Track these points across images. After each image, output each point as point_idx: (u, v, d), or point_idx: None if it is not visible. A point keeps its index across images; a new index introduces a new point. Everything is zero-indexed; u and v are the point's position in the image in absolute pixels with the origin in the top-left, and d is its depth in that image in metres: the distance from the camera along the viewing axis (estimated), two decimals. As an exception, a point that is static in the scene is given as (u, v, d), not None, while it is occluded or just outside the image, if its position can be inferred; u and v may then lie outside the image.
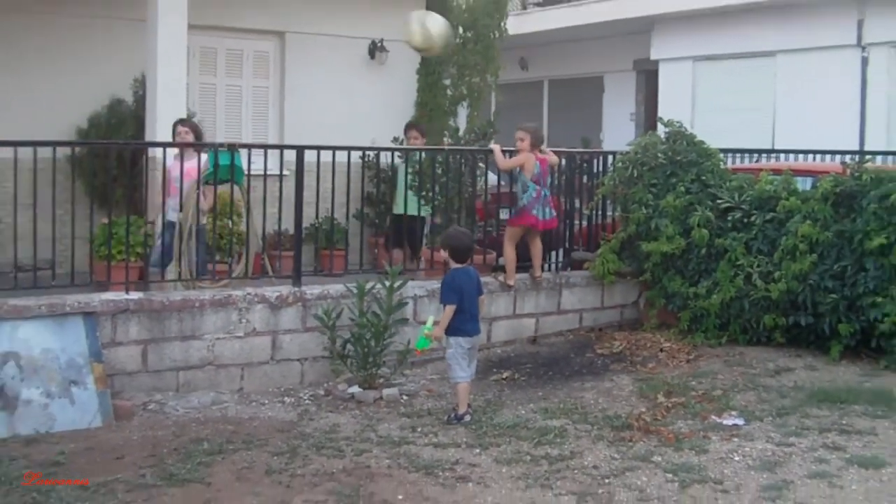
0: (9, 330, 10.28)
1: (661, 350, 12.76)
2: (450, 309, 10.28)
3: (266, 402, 11.06)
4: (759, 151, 18.28)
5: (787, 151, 17.51)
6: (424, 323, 10.63)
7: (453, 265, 10.52)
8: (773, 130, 21.38)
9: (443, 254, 10.70)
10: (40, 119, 14.24)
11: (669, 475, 8.51)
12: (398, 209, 14.68)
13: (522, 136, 12.96)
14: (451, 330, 10.31)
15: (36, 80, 14.83)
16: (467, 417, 10.17)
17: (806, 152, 17.01)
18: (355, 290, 11.46)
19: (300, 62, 17.22)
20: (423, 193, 14.09)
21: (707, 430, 9.76)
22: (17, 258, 11.21)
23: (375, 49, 17.80)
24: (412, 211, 14.14)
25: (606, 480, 8.44)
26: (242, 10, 16.60)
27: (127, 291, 11.28)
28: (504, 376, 11.97)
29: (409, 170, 13.84)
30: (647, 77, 24.65)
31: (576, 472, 8.66)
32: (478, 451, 9.28)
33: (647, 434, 9.64)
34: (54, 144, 11.70)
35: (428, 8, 17.93)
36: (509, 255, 13.18)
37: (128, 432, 9.86)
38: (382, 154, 14.89)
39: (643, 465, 8.79)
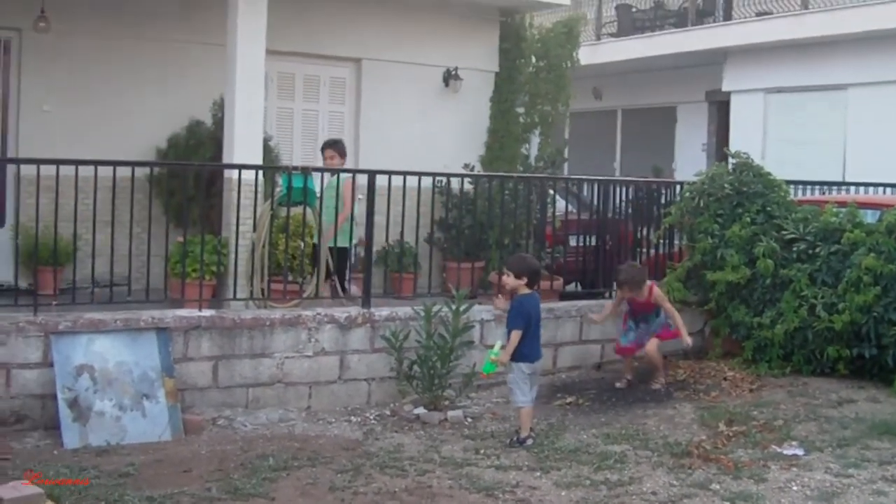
0: (85, 343, 10.54)
1: (725, 379, 12.78)
2: (516, 334, 10.39)
3: (332, 420, 11.24)
4: (827, 183, 18.26)
5: (854, 184, 17.52)
6: (492, 347, 10.76)
7: (522, 291, 10.60)
8: (843, 163, 21.27)
9: (510, 279, 10.67)
10: (122, 139, 14.51)
11: (727, 503, 8.58)
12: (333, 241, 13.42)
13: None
14: (515, 355, 10.42)
15: (119, 102, 15.10)
16: (529, 441, 10.28)
17: (874, 185, 17.01)
18: (423, 313, 11.64)
19: (376, 88, 17.40)
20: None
21: (767, 459, 9.82)
22: (94, 274, 11.51)
23: (450, 77, 17.94)
24: (342, 243, 13.39)
25: (664, 507, 8.51)
26: (320, 37, 16.82)
27: (200, 308, 11.53)
28: (568, 401, 12.07)
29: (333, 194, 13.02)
30: (720, 108, 24.63)
31: (634, 497, 8.74)
32: (538, 474, 9.38)
33: (707, 462, 9.70)
34: (133, 164, 12.01)
35: (502, 37, 18.17)
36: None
37: (196, 446, 10.07)
38: (454, 180, 15.04)
39: (701, 493, 8.85)
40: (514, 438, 10.35)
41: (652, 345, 12.68)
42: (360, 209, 12.89)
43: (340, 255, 13.47)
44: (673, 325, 12.67)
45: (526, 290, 10.60)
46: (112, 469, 9.11)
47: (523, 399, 10.46)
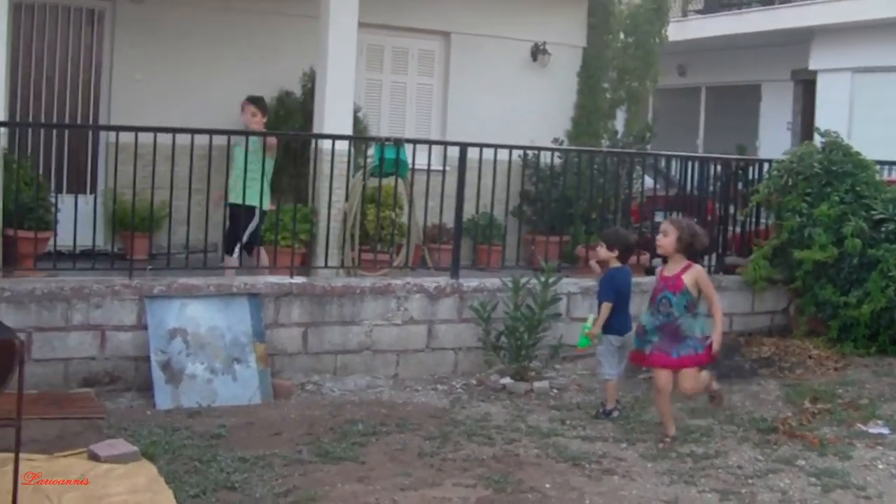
0: (178, 307, 10.73)
1: (810, 357, 12.77)
2: (606, 307, 10.35)
3: (420, 388, 11.38)
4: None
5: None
6: (581, 320, 10.82)
7: (613, 264, 10.60)
8: (932, 144, 21.07)
9: (603, 251, 10.63)
10: (212, 109, 14.62)
11: (812, 479, 8.62)
12: (235, 198, 12.86)
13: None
14: (605, 327, 10.36)
15: (209, 72, 15.22)
16: (615, 413, 10.37)
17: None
18: (511, 284, 11.72)
19: (464, 62, 17.42)
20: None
21: (852, 437, 9.84)
22: (188, 240, 11.68)
23: (538, 51, 17.92)
24: (250, 200, 12.77)
25: (750, 481, 8.56)
26: (410, 10, 16.85)
27: (291, 275, 11.70)
28: (653, 375, 12.09)
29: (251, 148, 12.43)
30: (805, 87, 24.44)
31: (720, 470, 8.80)
32: (624, 445, 9.47)
33: (792, 438, 9.72)
34: (228, 133, 12.20)
35: (591, 13, 18.13)
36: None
37: (286, 410, 10.23)
38: (542, 154, 15.06)
39: (787, 468, 8.90)
40: (601, 410, 10.44)
41: (689, 379, 9.68)
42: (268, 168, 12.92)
43: (248, 214, 12.93)
44: (710, 330, 9.66)
45: (617, 264, 10.58)
46: (204, 430, 9.29)
47: (610, 372, 10.48)
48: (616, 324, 10.44)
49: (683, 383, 9.59)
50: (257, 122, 13.42)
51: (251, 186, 12.51)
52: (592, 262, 11.29)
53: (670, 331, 9.50)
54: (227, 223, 12.72)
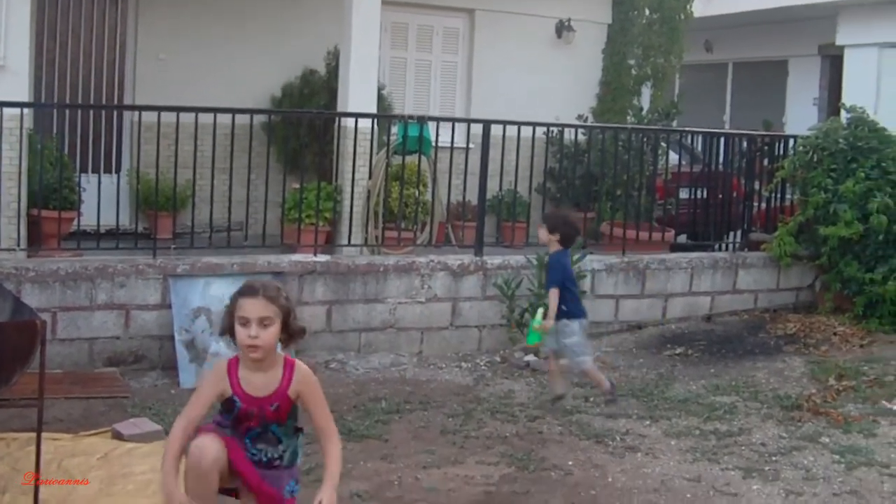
0: (202, 286, 10.76)
1: (835, 334, 12.73)
2: (555, 292, 9.66)
3: (443, 365, 11.41)
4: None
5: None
6: (610, 297, 10.76)
7: (554, 248, 9.85)
8: (958, 120, 20.93)
9: (544, 234, 9.90)
10: (236, 87, 14.65)
11: (836, 456, 8.59)
12: None
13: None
14: (566, 314, 9.68)
15: (234, 51, 15.21)
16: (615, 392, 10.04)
17: None
18: (535, 262, 11.70)
19: (489, 39, 17.37)
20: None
21: (877, 414, 9.80)
22: (212, 219, 11.71)
23: (562, 28, 17.86)
24: None
25: (773, 458, 8.55)
26: (434, -13, 16.89)
27: (315, 254, 11.73)
28: (677, 352, 12.10)
29: None
30: (832, 62, 24.27)
31: (743, 448, 8.80)
32: (648, 422, 9.47)
33: (817, 415, 9.70)
34: (252, 112, 12.26)
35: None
36: None
37: (310, 388, 10.25)
38: (566, 130, 15.03)
39: (811, 445, 8.88)
40: (608, 397, 9.96)
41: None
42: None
43: None
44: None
45: (558, 247, 9.82)
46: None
47: (584, 357, 9.84)
48: (574, 308, 9.76)
49: None
50: None
51: None
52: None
53: None
54: None
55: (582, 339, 9.82)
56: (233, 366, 5.47)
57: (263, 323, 5.30)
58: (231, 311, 5.40)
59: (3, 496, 6.86)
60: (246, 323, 5.30)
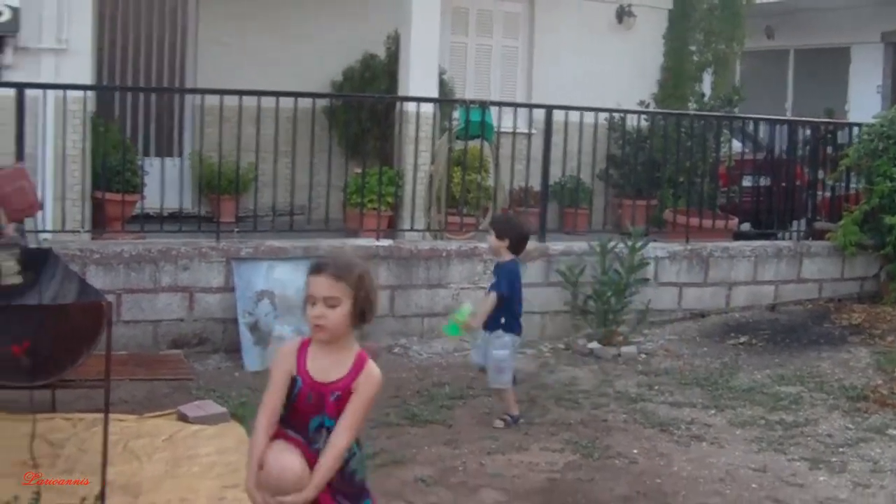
0: (265, 269, 10.78)
1: (901, 324, 12.61)
2: (493, 298, 8.91)
3: (507, 351, 11.35)
4: None
5: None
6: (672, 285, 10.67)
7: (504, 256, 9.04)
8: None
9: (493, 240, 9.10)
10: (297, 71, 14.61)
11: (904, 448, 8.48)
12: None
13: None
14: (505, 326, 8.93)
15: (295, 35, 15.20)
16: (521, 419, 9.04)
17: None
18: (598, 248, 11.65)
19: (549, 24, 17.29)
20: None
21: (945, 406, 9.69)
22: (275, 203, 11.72)
23: (623, 13, 17.76)
24: None
25: (840, 449, 8.48)
26: (496, -29, 16.83)
27: (377, 238, 11.72)
28: (741, 341, 11.99)
29: None
30: None
31: (809, 438, 8.72)
32: (713, 412, 9.41)
33: (884, 407, 9.61)
34: (314, 96, 12.23)
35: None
36: None
37: (373, 373, 10.24)
38: (629, 116, 14.94)
39: (878, 437, 8.80)
40: (508, 419, 8.95)
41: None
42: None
43: None
44: None
45: (508, 256, 9.04)
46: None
47: (505, 377, 9.00)
48: (512, 323, 8.99)
49: None
50: None
51: None
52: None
53: None
54: None
55: (510, 357, 9.01)
56: (304, 346, 4.94)
57: (329, 303, 4.74)
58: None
59: (71, 476, 6.89)
60: (313, 301, 4.78)
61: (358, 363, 4.92)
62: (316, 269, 4.78)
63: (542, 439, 8.45)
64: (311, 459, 4.75)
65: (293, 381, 4.86)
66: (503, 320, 8.90)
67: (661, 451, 8.31)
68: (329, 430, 4.80)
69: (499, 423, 8.87)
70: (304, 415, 4.87)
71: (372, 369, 4.95)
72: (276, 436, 4.80)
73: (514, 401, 9.02)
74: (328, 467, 4.71)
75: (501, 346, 8.89)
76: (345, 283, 4.75)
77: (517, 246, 9.02)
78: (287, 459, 4.73)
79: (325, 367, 4.86)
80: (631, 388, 10.03)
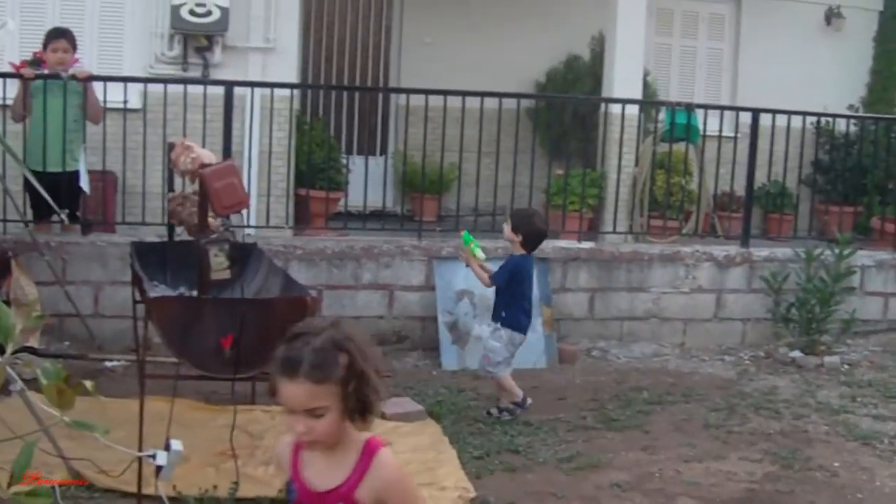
0: (465, 269, 10.77)
1: None
2: (487, 276, 8.95)
3: (706, 358, 11.24)
4: None
5: None
6: (877, 295, 10.43)
7: (517, 250, 8.95)
8: None
9: (508, 231, 8.97)
10: (500, 72, 14.68)
11: None
12: (35, 164, 10.39)
13: None
14: (503, 321, 8.92)
15: (498, 36, 15.27)
16: (529, 400, 8.95)
17: None
18: (803, 255, 11.45)
19: (755, 26, 17.07)
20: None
21: None
22: (477, 203, 11.77)
23: (832, 15, 17.45)
24: (72, 165, 10.55)
25: None
26: (702, -28, 16.68)
27: (579, 240, 11.71)
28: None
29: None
30: None
31: None
32: (920, 426, 9.14)
33: None
34: (519, 96, 12.27)
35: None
36: None
37: (571, 375, 10.26)
38: (836, 121, 14.64)
39: None
40: (509, 408, 8.87)
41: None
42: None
43: (70, 183, 10.50)
44: None
45: (520, 250, 8.92)
46: (489, 392, 9.31)
47: (499, 370, 8.90)
48: (513, 319, 8.91)
49: None
50: (69, 59, 10.62)
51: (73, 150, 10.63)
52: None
53: None
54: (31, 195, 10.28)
55: (505, 352, 8.87)
56: (298, 445, 3.78)
57: (314, 414, 3.53)
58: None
59: (268, 468, 7.02)
60: (292, 411, 3.57)
61: (364, 458, 3.69)
62: (288, 372, 3.56)
63: (740, 448, 8.29)
64: None
65: (289, 486, 3.87)
66: (504, 314, 8.90)
67: (864, 466, 8.06)
68: None
69: (493, 411, 8.79)
70: None
71: (382, 461, 3.69)
72: None
73: (512, 386, 8.87)
74: None
75: (496, 339, 8.88)
76: (329, 383, 3.53)
77: (531, 242, 8.90)
78: None
79: (323, 471, 3.75)
80: (833, 400, 9.78)
